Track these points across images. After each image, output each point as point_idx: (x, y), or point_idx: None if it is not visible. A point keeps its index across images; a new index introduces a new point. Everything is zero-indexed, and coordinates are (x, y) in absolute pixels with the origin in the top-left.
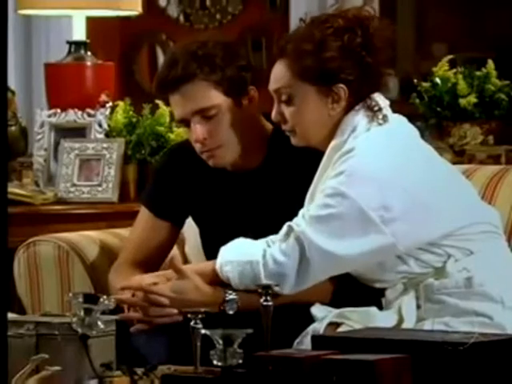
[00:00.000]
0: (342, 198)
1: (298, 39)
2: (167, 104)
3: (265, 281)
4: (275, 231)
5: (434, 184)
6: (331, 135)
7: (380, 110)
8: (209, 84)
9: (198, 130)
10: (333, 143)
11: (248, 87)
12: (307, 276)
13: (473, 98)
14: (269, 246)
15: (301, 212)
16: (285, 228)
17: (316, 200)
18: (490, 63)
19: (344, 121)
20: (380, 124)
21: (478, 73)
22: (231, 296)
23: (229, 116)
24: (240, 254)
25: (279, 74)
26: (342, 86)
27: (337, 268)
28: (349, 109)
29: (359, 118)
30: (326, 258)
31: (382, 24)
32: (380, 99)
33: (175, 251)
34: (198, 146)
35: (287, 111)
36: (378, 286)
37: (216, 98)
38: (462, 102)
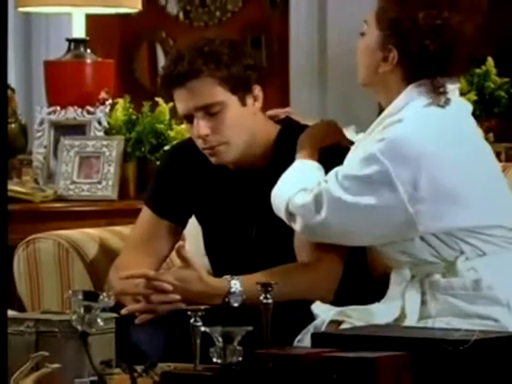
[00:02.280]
0: (375, 163)
1: None
2: (170, 99)
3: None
4: (279, 231)
5: (471, 177)
6: (389, 96)
7: (445, 93)
8: (214, 81)
9: (201, 125)
10: (387, 110)
11: (253, 86)
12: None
13: (472, 96)
14: (300, 190)
15: (334, 169)
16: (316, 183)
17: (352, 158)
18: (490, 61)
19: (406, 91)
20: (440, 106)
21: (477, 70)
22: (236, 288)
23: (232, 114)
24: (289, 181)
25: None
26: (394, 50)
27: (350, 219)
28: (408, 79)
29: (420, 91)
30: (344, 208)
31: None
32: (449, 83)
33: (181, 242)
34: (199, 143)
35: (359, 43)
36: (382, 260)
37: (221, 94)
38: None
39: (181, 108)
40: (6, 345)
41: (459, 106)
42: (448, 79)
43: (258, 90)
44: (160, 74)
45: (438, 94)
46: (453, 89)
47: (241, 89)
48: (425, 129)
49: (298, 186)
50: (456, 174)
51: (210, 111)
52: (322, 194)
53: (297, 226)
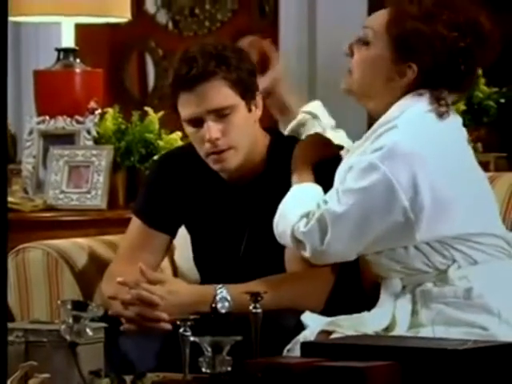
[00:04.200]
0: (375, 172)
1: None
2: (172, 105)
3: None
4: (269, 243)
5: (462, 185)
6: (386, 106)
7: (447, 105)
8: (226, 83)
9: (212, 128)
10: (385, 115)
11: (256, 93)
12: (328, 248)
13: (461, 105)
14: (302, 217)
15: (334, 187)
16: (315, 205)
17: (351, 173)
18: (479, 70)
19: (404, 99)
20: (438, 116)
21: None
22: (222, 294)
23: (240, 118)
24: (289, 208)
25: (378, 16)
26: (415, 67)
27: (354, 243)
28: (413, 90)
29: (419, 99)
30: (349, 224)
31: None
32: (449, 96)
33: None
34: (207, 147)
35: (359, 52)
36: (373, 269)
37: (232, 98)
38: None
39: (189, 111)
40: (5, 352)
41: (453, 117)
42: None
43: (259, 98)
44: (171, 76)
45: (439, 105)
46: (450, 103)
47: (248, 94)
48: (421, 134)
49: (298, 213)
50: (449, 181)
51: (221, 114)
52: (325, 216)
53: (306, 253)
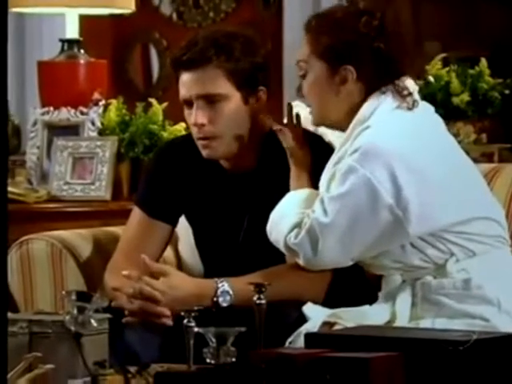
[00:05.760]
0: (355, 175)
1: (321, 16)
2: (176, 82)
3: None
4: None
5: (446, 174)
6: (348, 117)
7: (410, 94)
8: (221, 72)
9: (199, 114)
10: (355, 119)
11: (258, 87)
12: (322, 257)
13: (466, 97)
14: (293, 227)
15: (320, 196)
16: (304, 216)
17: (335, 179)
18: (483, 61)
19: (369, 100)
20: (409, 109)
21: (471, 71)
22: (224, 287)
23: (232, 109)
24: (281, 216)
25: (302, 48)
26: (350, 67)
27: (347, 250)
28: (369, 92)
29: (385, 97)
30: (338, 232)
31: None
32: (409, 84)
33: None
34: (195, 131)
35: (304, 85)
36: (372, 270)
37: (224, 87)
38: (455, 100)
39: (183, 92)
40: (5, 346)
41: (423, 107)
42: (406, 78)
43: (262, 93)
44: (171, 56)
45: (403, 97)
46: (414, 90)
47: (246, 86)
48: (395, 131)
49: (290, 222)
50: (432, 169)
51: (211, 100)
52: (314, 226)
53: (300, 262)
